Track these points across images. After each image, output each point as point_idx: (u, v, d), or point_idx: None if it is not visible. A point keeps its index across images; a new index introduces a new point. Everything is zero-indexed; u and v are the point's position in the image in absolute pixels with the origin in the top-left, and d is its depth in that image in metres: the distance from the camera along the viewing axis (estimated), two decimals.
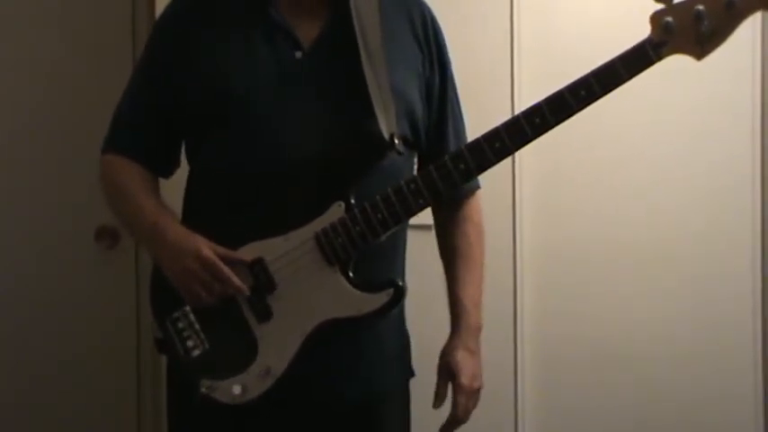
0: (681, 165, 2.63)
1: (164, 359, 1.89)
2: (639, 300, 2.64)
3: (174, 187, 1.90)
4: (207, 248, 1.68)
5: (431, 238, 2.56)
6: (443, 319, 2.56)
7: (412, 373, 1.93)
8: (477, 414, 2.60)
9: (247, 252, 1.70)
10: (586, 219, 2.65)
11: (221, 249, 1.69)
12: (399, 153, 1.70)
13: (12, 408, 2.75)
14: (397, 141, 1.69)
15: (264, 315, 1.71)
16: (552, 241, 2.65)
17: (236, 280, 1.68)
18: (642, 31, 1.60)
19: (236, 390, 1.70)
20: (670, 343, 2.64)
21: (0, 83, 2.77)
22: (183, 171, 1.89)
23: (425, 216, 2.33)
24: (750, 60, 2.60)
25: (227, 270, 1.68)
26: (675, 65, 2.54)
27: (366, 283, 1.69)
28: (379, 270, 1.74)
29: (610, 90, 1.60)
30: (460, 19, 2.56)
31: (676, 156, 2.63)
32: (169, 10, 1.86)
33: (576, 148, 2.62)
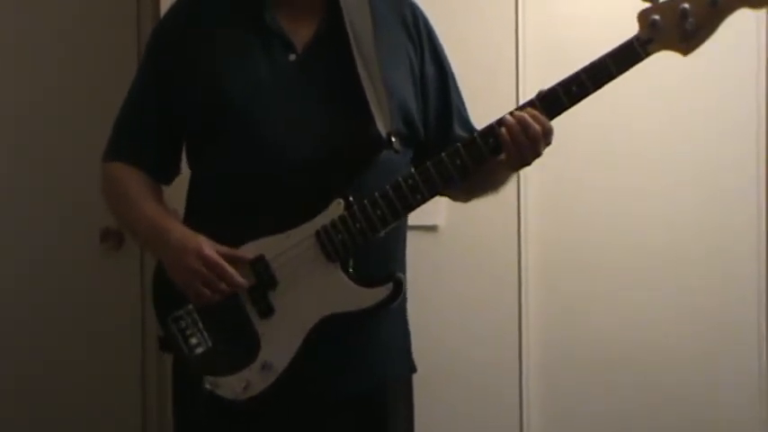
0: (687, 167, 2.64)
1: (169, 359, 1.90)
2: (644, 302, 2.64)
3: (176, 192, 1.93)
4: (209, 247, 1.70)
5: (431, 238, 2.58)
6: (444, 317, 2.57)
7: (414, 369, 1.94)
8: (481, 417, 2.62)
9: (249, 250, 1.72)
10: (591, 221, 2.65)
11: (223, 248, 1.71)
12: (396, 151, 1.72)
13: (16, 406, 2.76)
14: (394, 139, 1.71)
15: (266, 311, 1.73)
16: (557, 243, 2.65)
17: (238, 278, 1.70)
18: None
19: (240, 386, 1.71)
20: (676, 345, 2.64)
21: (5, 84, 2.78)
22: (183, 176, 1.92)
23: (426, 217, 2.35)
24: (755, 64, 2.63)
25: (229, 268, 1.69)
26: (682, 68, 2.56)
27: (366, 279, 1.71)
28: (379, 265, 1.75)
29: (601, 86, 1.63)
30: (465, 13, 2.58)
31: (682, 158, 2.64)
32: (166, 18, 1.91)
33: (582, 151, 2.62)
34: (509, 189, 2.53)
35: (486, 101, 2.00)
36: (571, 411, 2.65)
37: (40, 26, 2.82)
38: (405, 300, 1.87)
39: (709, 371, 2.64)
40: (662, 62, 2.56)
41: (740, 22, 2.57)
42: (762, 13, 2.52)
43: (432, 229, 2.59)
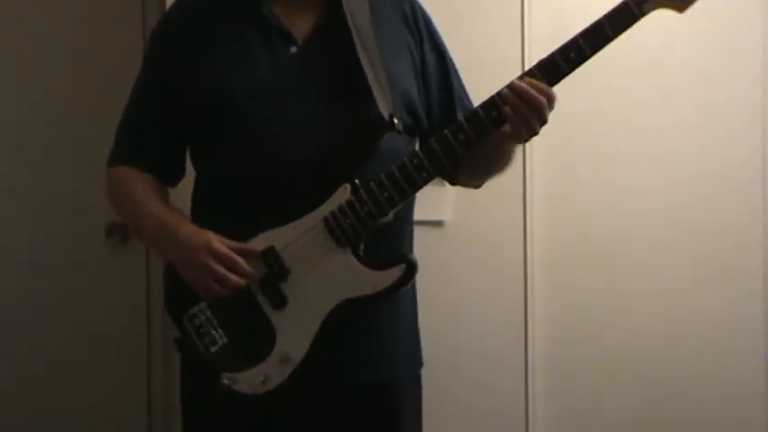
0: (693, 164, 2.66)
1: (175, 353, 1.89)
2: (651, 298, 2.66)
3: (181, 193, 1.93)
4: (217, 242, 1.70)
5: (437, 234, 2.58)
6: (449, 312, 2.58)
7: (421, 364, 1.94)
8: (487, 411, 2.63)
9: (258, 242, 1.72)
10: (597, 216, 2.66)
11: (232, 242, 1.71)
12: (399, 132, 1.73)
13: (22, 401, 2.75)
14: (396, 121, 1.72)
15: (280, 303, 1.72)
16: (563, 239, 2.66)
17: (249, 269, 1.70)
18: (651, 19, 1.64)
19: (258, 380, 1.71)
20: (682, 341, 2.66)
21: (12, 81, 2.79)
22: (188, 177, 1.92)
23: (432, 212, 2.35)
24: (761, 60, 2.65)
25: (239, 260, 1.69)
26: (690, 65, 2.57)
27: (378, 261, 1.71)
28: (389, 248, 1.75)
29: (598, 50, 1.64)
30: (471, 13, 2.59)
31: (689, 155, 2.66)
32: (171, 11, 1.91)
33: (588, 146, 2.64)
34: (515, 184, 2.58)
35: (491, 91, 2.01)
36: (576, 406, 2.66)
37: (43, 26, 2.82)
38: (415, 296, 1.88)
39: (715, 368, 2.65)
40: (671, 59, 2.59)
41: (746, 18, 2.62)
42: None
43: (438, 224, 2.60)
